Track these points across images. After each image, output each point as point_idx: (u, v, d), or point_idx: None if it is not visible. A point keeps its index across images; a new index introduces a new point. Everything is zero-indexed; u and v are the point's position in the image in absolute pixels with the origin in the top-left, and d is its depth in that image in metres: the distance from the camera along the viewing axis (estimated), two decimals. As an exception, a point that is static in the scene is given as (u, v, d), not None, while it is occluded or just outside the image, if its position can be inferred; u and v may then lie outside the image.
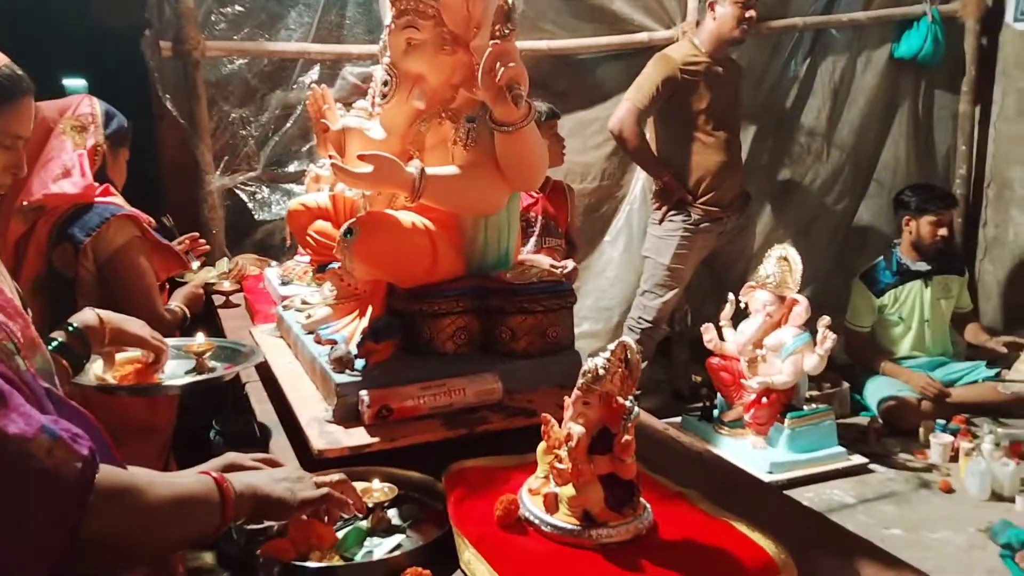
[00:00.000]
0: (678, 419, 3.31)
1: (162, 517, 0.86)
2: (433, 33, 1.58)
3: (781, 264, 3.04)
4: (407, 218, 1.55)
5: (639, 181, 4.17)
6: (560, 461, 1.08)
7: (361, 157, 1.44)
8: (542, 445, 1.16)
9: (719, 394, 3.18)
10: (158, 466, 2.22)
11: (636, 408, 1.06)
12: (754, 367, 3.04)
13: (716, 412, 3.21)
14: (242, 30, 3.53)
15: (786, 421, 2.99)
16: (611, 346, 1.09)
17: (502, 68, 1.41)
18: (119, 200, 2.22)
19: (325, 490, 1.04)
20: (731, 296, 3.11)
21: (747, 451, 3.02)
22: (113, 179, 2.28)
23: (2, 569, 0.73)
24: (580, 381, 1.10)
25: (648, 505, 1.12)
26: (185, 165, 3.49)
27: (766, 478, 2.85)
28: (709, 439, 3.11)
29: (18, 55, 1.29)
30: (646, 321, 3.78)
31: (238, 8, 3.51)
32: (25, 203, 2.06)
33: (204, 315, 2.56)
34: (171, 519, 0.88)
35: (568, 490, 1.07)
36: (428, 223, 1.57)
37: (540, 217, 3.11)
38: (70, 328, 1.37)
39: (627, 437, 1.04)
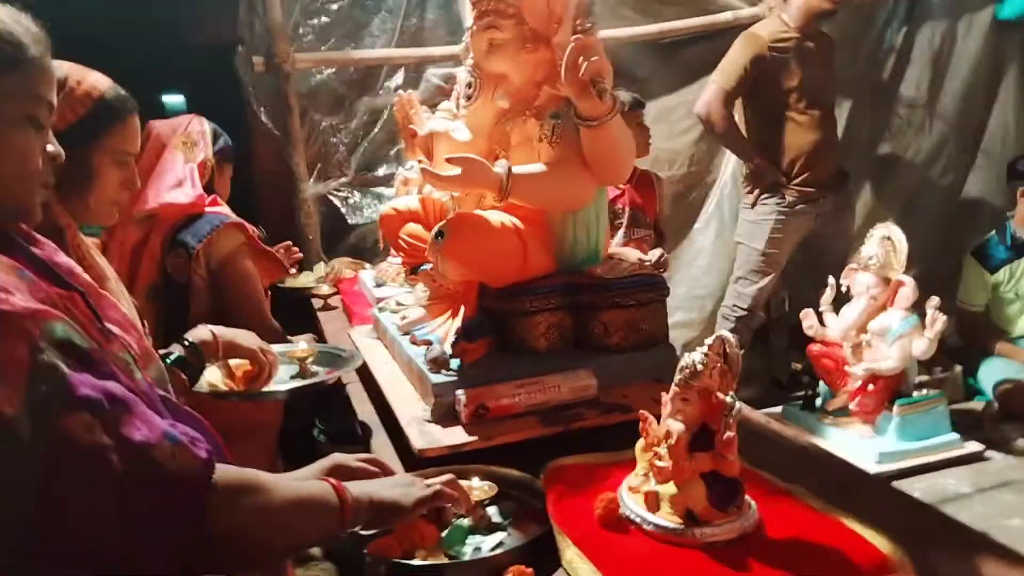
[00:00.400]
0: (779, 409, 3.21)
1: (283, 516, 0.90)
2: (515, 32, 1.59)
3: (884, 244, 2.90)
4: (496, 218, 1.56)
5: (729, 165, 4.07)
6: (660, 459, 1.07)
7: (449, 160, 1.46)
8: (641, 442, 1.15)
9: (822, 382, 3.07)
10: (265, 465, 2.31)
11: (737, 403, 1.04)
12: (858, 353, 2.91)
13: (819, 401, 3.09)
14: (329, 40, 3.63)
15: (895, 408, 2.85)
16: (708, 340, 1.07)
17: (585, 63, 1.40)
18: (226, 210, 2.34)
19: (437, 487, 1.05)
20: (831, 279, 2.99)
21: (854, 441, 2.90)
22: (219, 193, 2.39)
23: (139, 567, 0.77)
24: (677, 377, 1.08)
25: (753, 503, 1.09)
26: (278, 175, 3.62)
27: (875, 469, 2.73)
28: (813, 429, 3.00)
29: (118, 75, 1.37)
30: (741, 309, 3.69)
31: (324, 19, 3.62)
32: (139, 211, 2.19)
33: (305, 319, 2.65)
34: (292, 519, 0.91)
35: (669, 488, 1.06)
36: (517, 222, 1.58)
37: (627, 208, 3.07)
38: (186, 343, 1.45)
39: (729, 433, 1.02)
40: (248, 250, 2.28)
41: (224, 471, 0.86)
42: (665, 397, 1.11)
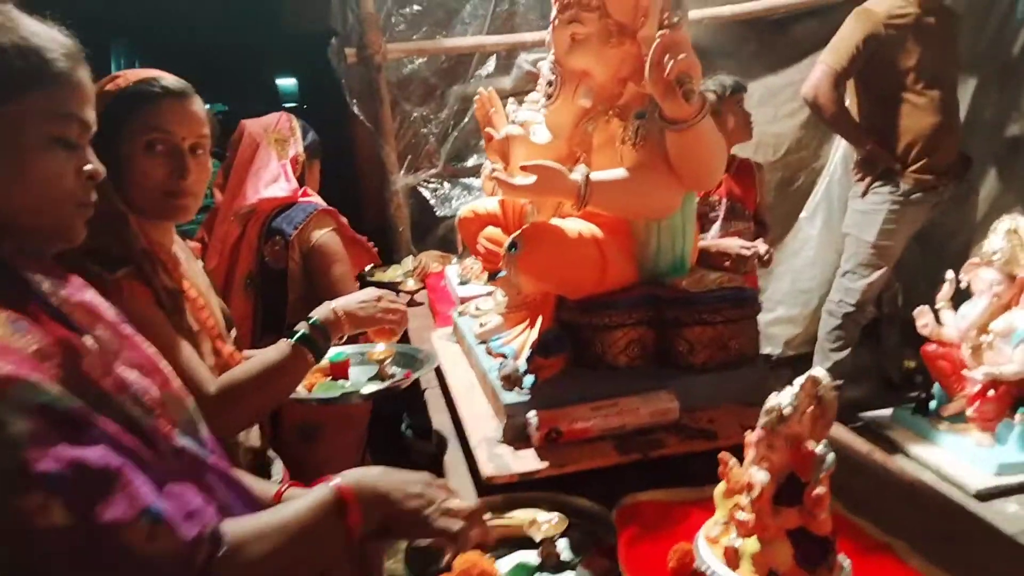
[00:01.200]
0: (888, 412, 3.01)
1: (287, 557, 0.82)
2: (598, 26, 1.49)
3: (1011, 237, 2.65)
4: (573, 227, 1.47)
5: (839, 150, 3.81)
6: (742, 510, 0.97)
7: (524, 168, 1.38)
8: (721, 486, 1.05)
9: (936, 385, 2.85)
10: (354, 456, 2.33)
11: (830, 455, 0.93)
12: (978, 355, 2.68)
13: (933, 405, 2.87)
14: (420, 29, 3.60)
15: (1017, 416, 2.61)
16: (799, 380, 0.96)
17: (671, 61, 1.29)
18: (317, 199, 2.38)
19: (460, 526, 0.95)
20: (950, 274, 2.76)
21: (970, 450, 2.68)
22: (310, 186, 2.44)
23: None
24: (763, 420, 0.97)
25: (847, 562, 0.98)
26: (379, 165, 3.63)
27: (993, 481, 2.52)
28: (925, 435, 2.79)
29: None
30: (848, 304, 3.45)
31: (415, 7, 3.58)
32: (240, 207, 2.26)
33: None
34: (297, 552, 0.83)
35: (751, 544, 0.96)
36: (596, 230, 1.49)
37: (724, 200, 2.91)
38: (312, 321, 1.43)
39: (820, 490, 0.91)
40: (339, 236, 2.31)
41: (230, 534, 0.79)
42: (749, 438, 1.01)
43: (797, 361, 3.68)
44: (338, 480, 0.86)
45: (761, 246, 2.77)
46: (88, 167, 0.86)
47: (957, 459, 2.38)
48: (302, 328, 1.41)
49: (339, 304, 1.48)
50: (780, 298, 3.85)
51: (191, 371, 1.25)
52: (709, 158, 1.43)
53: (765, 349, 3.72)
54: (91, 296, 0.91)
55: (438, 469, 1.45)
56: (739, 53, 3.70)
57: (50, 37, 0.82)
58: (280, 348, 1.37)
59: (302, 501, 0.85)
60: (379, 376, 1.72)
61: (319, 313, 1.45)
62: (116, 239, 1.25)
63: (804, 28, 3.79)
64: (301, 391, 1.64)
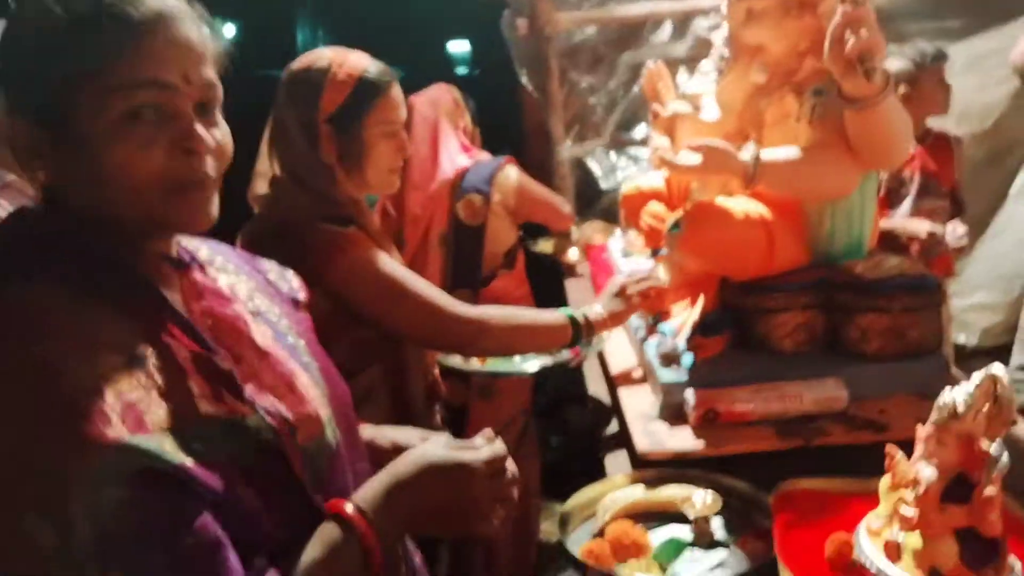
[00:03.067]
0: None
1: None
2: None
3: None
4: (740, 207, 1.45)
5: (1057, 119, 3.42)
6: (906, 504, 0.94)
7: (690, 148, 1.37)
8: (886, 479, 1.02)
9: None
10: (522, 412, 2.40)
11: (1005, 455, 0.88)
12: None
13: None
14: (593, -4, 3.57)
15: None
16: (977, 377, 0.91)
17: (853, 37, 1.24)
18: (487, 156, 2.50)
19: (492, 527, 0.87)
20: None
21: None
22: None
23: None
24: (935, 415, 0.94)
25: (1018, 564, 0.93)
26: (545, 132, 3.66)
27: None
28: None
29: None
30: (1054, 293, 3.14)
31: (588, -26, 3.56)
32: (440, 182, 2.38)
33: (554, 285, 2.71)
34: None
35: (914, 540, 0.93)
36: (764, 211, 1.46)
37: (918, 175, 2.71)
38: (584, 315, 1.51)
39: (991, 490, 0.87)
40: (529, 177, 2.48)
41: None
42: (920, 432, 0.98)
43: (995, 352, 3.38)
44: (348, 508, 0.78)
45: (959, 227, 2.57)
46: (204, 132, 0.73)
47: None
48: (578, 314, 1.50)
49: (603, 305, 1.54)
50: (979, 282, 3.52)
51: (431, 296, 1.40)
52: (892, 138, 1.35)
53: (959, 338, 3.43)
54: (234, 312, 0.82)
55: (591, 441, 1.49)
56: (940, 12, 3.40)
57: None
58: (556, 315, 1.50)
59: (321, 545, 0.77)
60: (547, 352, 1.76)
61: (592, 313, 1.52)
62: (342, 204, 1.41)
63: (1018, -16, 3.41)
64: (474, 362, 1.75)
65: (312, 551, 0.76)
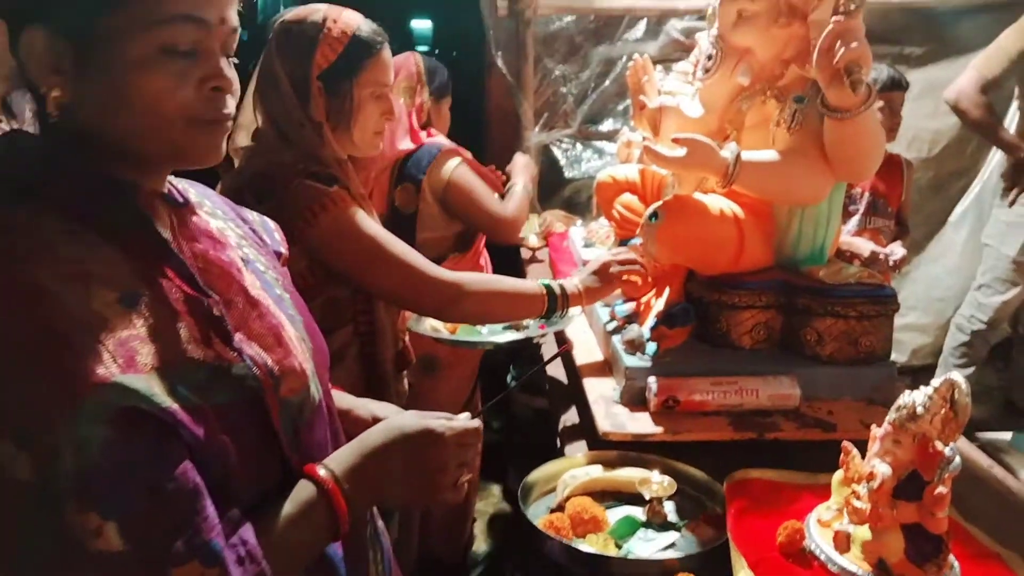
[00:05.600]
0: (1007, 435, 2.87)
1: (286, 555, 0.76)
2: (768, 4, 1.48)
3: None
4: (715, 204, 1.48)
5: (997, 154, 3.57)
6: (858, 498, 0.99)
7: (676, 141, 1.40)
8: (839, 474, 1.07)
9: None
10: (467, 389, 2.40)
11: (957, 459, 0.93)
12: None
13: (1060, 435, 2.73)
14: (573, -15, 3.58)
15: None
16: (936, 382, 0.96)
17: (842, 48, 1.28)
18: (441, 139, 2.43)
19: (460, 495, 0.89)
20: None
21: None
22: (438, 128, 2.50)
23: None
24: (893, 415, 0.99)
25: (956, 564, 0.99)
26: (510, 114, 3.65)
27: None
28: (1046, 465, 2.66)
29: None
30: (979, 321, 3.28)
31: (570, -37, 3.57)
32: (383, 160, 2.31)
33: (512, 269, 2.71)
34: (292, 546, 0.78)
35: (863, 532, 0.98)
36: (737, 210, 1.50)
37: (867, 194, 2.81)
38: (560, 289, 1.52)
39: (941, 489, 0.92)
40: (468, 166, 2.36)
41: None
42: (875, 431, 1.02)
43: (919, 372, 3.53)
44: (321, 472, 0.80)
45: (898, 249, 2.67)
46: (214, 81, 0.73)
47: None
48: (553, 284, 1.51)
49: (580, 280, 1.55)
50: (913, 303, 3.67)
51: (411, 258, 1.39)
52: (868, 150, 1.41)
53: (890, 354, 3.59)
54: (229, 258, 0.81)
55: (542, 424, 1.49)
56: (902, 38, 3.51)
57: None
58: (533, 284, 1.52)
59: (293, 505, 0.78)
60: (515, 326, 1.76)
61: (569, 286, 1.53)
62: (327, 163, 1.39)
63: (975, 23, 3.55)
64: (444, 331, 1.74)
65: (285, 508, 0.77)
